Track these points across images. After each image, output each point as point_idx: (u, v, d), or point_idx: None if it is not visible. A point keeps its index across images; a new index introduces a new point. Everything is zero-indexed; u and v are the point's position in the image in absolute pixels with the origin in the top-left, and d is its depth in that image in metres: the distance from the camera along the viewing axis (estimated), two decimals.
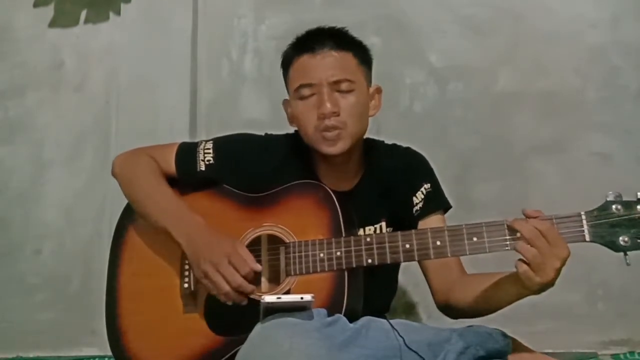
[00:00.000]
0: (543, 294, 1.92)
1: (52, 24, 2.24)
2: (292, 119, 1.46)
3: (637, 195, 1.15)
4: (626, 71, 1.98)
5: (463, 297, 1.36)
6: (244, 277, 1.26)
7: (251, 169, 1.46)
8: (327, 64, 1.37)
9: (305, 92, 1.37)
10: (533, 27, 2.02)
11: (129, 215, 1.50)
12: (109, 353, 1.44)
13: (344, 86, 1.37)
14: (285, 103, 1.48)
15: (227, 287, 1.26)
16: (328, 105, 1.34)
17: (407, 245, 1.25)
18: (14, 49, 2.25)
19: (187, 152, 1.49)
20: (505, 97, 2.03)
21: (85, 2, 2.23)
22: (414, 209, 1.47)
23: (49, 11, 2.24)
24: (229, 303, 1.28)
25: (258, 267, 1.28)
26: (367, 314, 1.24)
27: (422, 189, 1.48)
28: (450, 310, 1.41)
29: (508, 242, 1.18)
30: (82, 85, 2.22)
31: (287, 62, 1.44)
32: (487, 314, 1.34)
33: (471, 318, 1.37)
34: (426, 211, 1.47)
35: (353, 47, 1.42)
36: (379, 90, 1.47)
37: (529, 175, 2.00)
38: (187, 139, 2.03)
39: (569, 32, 2.01)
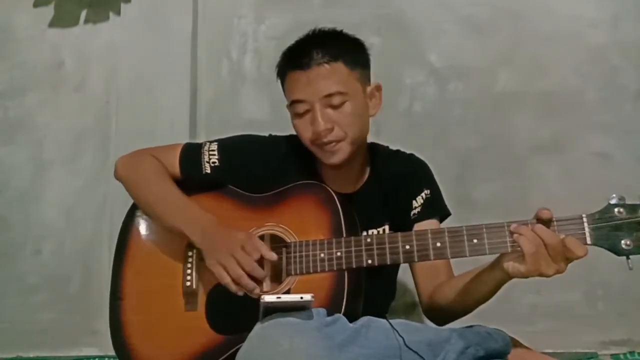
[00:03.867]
0: (543, 294, 1.94)
1: (52, 24, 2.24)
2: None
3: None
4: (626, 71, 1.98)
5: (444, 295, 1.38)
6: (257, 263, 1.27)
7: (256, 170, 1.46)
8: (317, 79, 1.35)
9: (299, 108, 1.37)
10: (533, 27, 2.02)
11: (132, 217, 1.50)
12: (109, 353, 1.45)
13: (335, 100, 1.35)
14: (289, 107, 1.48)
15: (240, 271, 1.26)
16: (321, 122, 1.34)
17: (407, 247, 1.25)
18: (14, 49, 2.26)
19: (191, 153, 1.49)
20: (505, 97, 2.03)
21: (85, 2, 2.23)
22: (412, 213, 1.48)
23: (49, 11, 2.24)
24: (240, 293, 1.27)
25: (271, 255, 1.28)
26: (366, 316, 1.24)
27: (423, 194, 1.49)
28: (433, 311, 1.43)
29: (508, 244, 1.18)
30: (82, 85, 2.22)
31: (281, 74, 1.44)
32: (465, 309, 1.35)
33: (452, 318, 1.39)
34: (423, 216, 1.47)
35: (343, 54, 1.37)
36: (378, 88, 1.45)
37: (529, 175, 2.00)
38: (187, 139, 2.05)
39: (569, 32, 2.00)
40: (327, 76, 1.35)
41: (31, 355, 2.13)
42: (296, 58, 1.38)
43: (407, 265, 1.49)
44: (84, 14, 2.23)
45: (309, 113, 1.37)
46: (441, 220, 1.50)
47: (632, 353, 1.89)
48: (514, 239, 1.16)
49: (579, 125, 1.99)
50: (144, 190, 1.45)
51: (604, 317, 1.94)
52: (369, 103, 1.42)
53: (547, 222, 1.15)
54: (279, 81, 1.46)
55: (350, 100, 1.37)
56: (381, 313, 1.42)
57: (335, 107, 1.36)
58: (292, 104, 1.38)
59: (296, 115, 1.39)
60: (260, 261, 1.30)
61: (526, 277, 1.16)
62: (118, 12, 2.19)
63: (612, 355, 1.90)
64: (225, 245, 1.29)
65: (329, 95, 1.35)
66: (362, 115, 1.40)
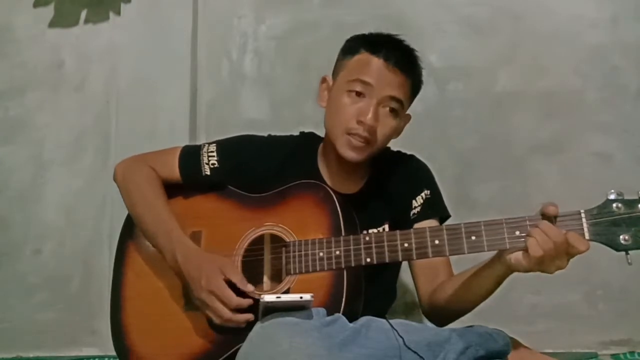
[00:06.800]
0: (543, 294, 1.94)
1: (52, 24, 2.24)
2: (324, 100, 1.46)
3: (638, 193, 1.13)
4: (626, 71, 1.97)
5: (444, 294, 1.37)
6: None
7: (255, 171, 1.47)
8: (392, 79, 1.37)
9: (358, 88, 1.37)
10: (533, 27, 2.02)
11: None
12: (109, 353, 1.45)
13: (393, 105, 1.38)
14: (325, 81, 1.47)
15: (226, 314, 1.26)
16: (371, 117, 1.35)
17: (406, 244, 1.25)
18: (14, 49, 2.26)
19: (190, 156, 1.49)
20: (505, 97, 2.03)
21: (85, 2, 2.23)
22: (412, 212, 1.48)
23: (49, 11, 2.24)
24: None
25: (241, 301, 1.26)
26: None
27: (423, 194, 1.49)
28: (433, 312, 1.43)
29: (507, 241, 1.18)
30: (82, 85, 2.22)
31: (353, 49, 1.42)
32: (465, 307, 1.35)
33: (452, 318, 1.39)
34: (422, 216, 1.48)
35: (415, 75, 1.43)
36: (408, 119, 1.48)
37: (529, 175, 2.00)
38: (187, 139, 2.06)
39: (569, 32, 2.00)
40: (401, 85, 1.39)
41: (31, 355, 2.13)
42: (385, 49, 1.38)
43: (407, 265, 1.49)
44: (84, 14, 2.23)
45: (362, 100, 1.37)
46: (441, 222, 1.50)
47: (632, 353, 1.89)
48: (525, 238, 1.15)
49: (579, 125, 1.99)
50: (133, 202, 1.47)
51: (604, 317, 1.94)
52: (400, 126, 1.46)
53: (551, 218, 1.15)
54: (341, 55, 1.44)
55: (398, 116, 1.41)
56: (380, 315, 1.43)
57: (387, 111, 1.38)
58: (355, 81, 1.37)
59: (349, 92, 1.38)
60: (259, 262, 1.30)
61: (527, 271, 1.16)
62: (118, 12, 2.19)
63: (612, 355, 1.90)
64: (198, 293, 1.29)
65: (392, 98, 1.37)
66: (393, 134, 1.44)
